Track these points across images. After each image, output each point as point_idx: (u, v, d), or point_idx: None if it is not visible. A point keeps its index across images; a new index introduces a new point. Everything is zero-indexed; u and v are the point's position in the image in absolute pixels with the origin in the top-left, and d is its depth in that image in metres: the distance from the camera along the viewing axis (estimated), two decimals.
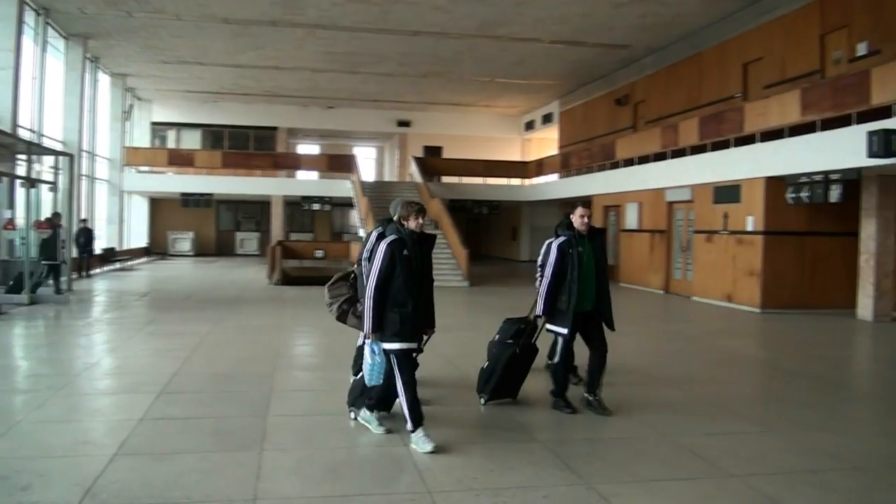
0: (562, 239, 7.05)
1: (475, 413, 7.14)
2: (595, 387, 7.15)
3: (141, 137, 33.63)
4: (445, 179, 33.33)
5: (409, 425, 6.02)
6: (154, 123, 35.10)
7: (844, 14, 16.18)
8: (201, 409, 7.09)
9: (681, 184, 19.79)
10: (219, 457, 5.65)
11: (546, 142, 35.64)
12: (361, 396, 6.52)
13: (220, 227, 37.81)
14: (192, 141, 36.09)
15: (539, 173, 32.33)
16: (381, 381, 6.08)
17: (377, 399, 6.38)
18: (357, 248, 23.00)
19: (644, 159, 21.97)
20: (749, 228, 16.87)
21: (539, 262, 8.24)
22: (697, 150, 19.22)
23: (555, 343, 7.24)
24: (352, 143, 41.35)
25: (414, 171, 32.41)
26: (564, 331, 6.97)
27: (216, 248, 37.23)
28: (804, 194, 15.39)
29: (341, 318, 7.24)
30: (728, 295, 17.59)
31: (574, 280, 6.87)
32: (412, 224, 6.14)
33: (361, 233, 26.06)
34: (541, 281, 8.24)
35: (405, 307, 5.99)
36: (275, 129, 36.26)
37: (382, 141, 41.52)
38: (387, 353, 6.03)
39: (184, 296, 17.69)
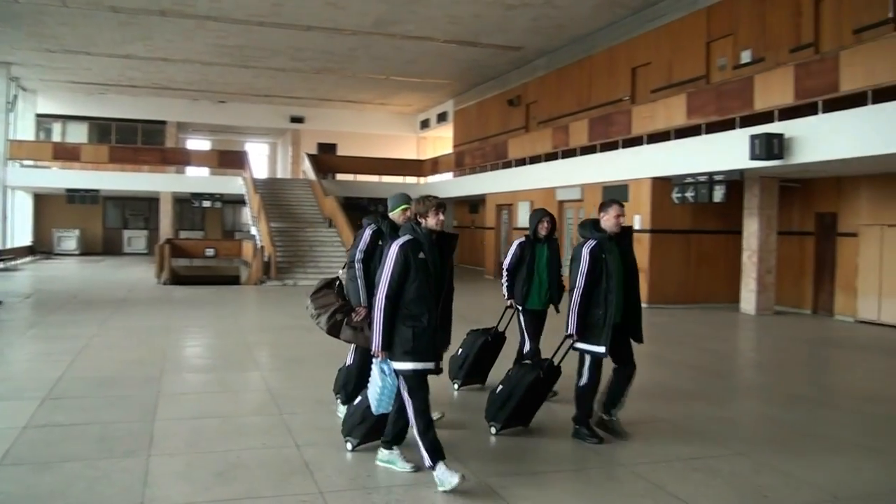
0: (593, 243, 6.15)
1: None
2: (613, 406, 6.47)
3: (25, 130, 32.13)
4: (340, 177, 33.13)
5: (426, 461, 5.20)
6: (39, 115, 33.73)
7: (730, 23, 16.86)
8: (87, 415, 6.87)
9: (571, 183, 20.22)
10: (105, 464, 5.50)
11: (441, 140, 35.87)
12: (362, 425, 5.75)
13: (106, 225, 36.53)
14: (78, 134, 34.86)
15: (434, 171, 32.52)
16: (390, 408, 5.39)
17: (393, 435, 5.50)
18: (249, 246, 22.74)
19: (535, 159, 22.36)
20: (636, 227, 17.35)
21: (506, 266, 7.73)
22: (587, 150, 19.68)
23: (582, 364, 6.37)
24: (243, 139, 40.73)
25: (307, 169, 32.10)
26: (601, 349, 6.11)
27: (103, 246, 35.95)
28: (689, 194, 15.94)
29: (333, 330, 6.20)
30: None
31: (611, 290, 6.04)
32: (431, 221, 5.28)
33: (253, 231, 25.63)
34: (507, 283, 7.71)
35: (419, 320, 5.14)
36: (164, 123, 35.31)
37: (275, 137, 40.99)
38: (396, 374, 5.26)
39: (69, 297, 17.06)
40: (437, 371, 5.32)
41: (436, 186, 31.44)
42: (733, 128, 14.68)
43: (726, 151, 14.63)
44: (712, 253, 17.52)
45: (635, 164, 17.46)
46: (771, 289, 16.09)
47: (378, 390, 5.29)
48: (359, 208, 32.01)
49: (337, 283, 6.60)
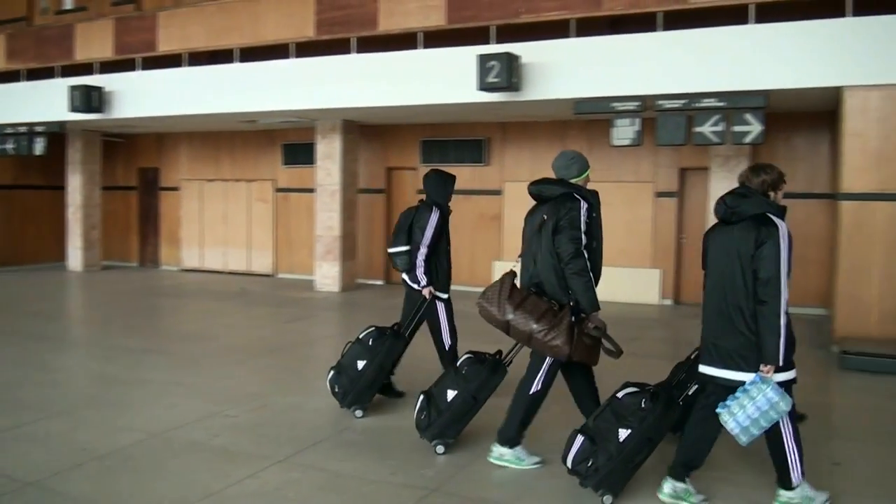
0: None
1: None
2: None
3: None
4: None
5: (796, 477, 4.24)
6: None
7: None
8: None
9: None
10: None
11: None
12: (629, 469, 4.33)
13: None
14: None
15: None
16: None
17: (686, 460, 4.35)
18: None
19: None
20: None
21: (426, 242, 5.91)
22: None
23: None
24: None
25: None
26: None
27: None
28: (10, 146, 15.16)
29: (573, 349, 4.53)
30: None
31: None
32: (780, 196, 4.30)
33: None
34: (423, 267, 5.94)
35: (788, 317, 4.16)
36: None
37: None
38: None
39: None
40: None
41: None
42: (54, 76, 14.40)
43: (47, 101, 14.15)
44: (37, 210, 16.94)
45: None
46: (97, 244, 16.20)
47: (769, 419, 4.07)
48: None
49: (516, 278, 4.81)
